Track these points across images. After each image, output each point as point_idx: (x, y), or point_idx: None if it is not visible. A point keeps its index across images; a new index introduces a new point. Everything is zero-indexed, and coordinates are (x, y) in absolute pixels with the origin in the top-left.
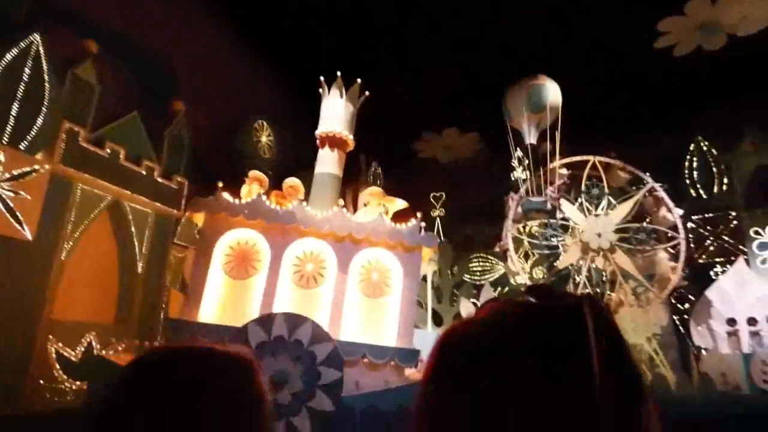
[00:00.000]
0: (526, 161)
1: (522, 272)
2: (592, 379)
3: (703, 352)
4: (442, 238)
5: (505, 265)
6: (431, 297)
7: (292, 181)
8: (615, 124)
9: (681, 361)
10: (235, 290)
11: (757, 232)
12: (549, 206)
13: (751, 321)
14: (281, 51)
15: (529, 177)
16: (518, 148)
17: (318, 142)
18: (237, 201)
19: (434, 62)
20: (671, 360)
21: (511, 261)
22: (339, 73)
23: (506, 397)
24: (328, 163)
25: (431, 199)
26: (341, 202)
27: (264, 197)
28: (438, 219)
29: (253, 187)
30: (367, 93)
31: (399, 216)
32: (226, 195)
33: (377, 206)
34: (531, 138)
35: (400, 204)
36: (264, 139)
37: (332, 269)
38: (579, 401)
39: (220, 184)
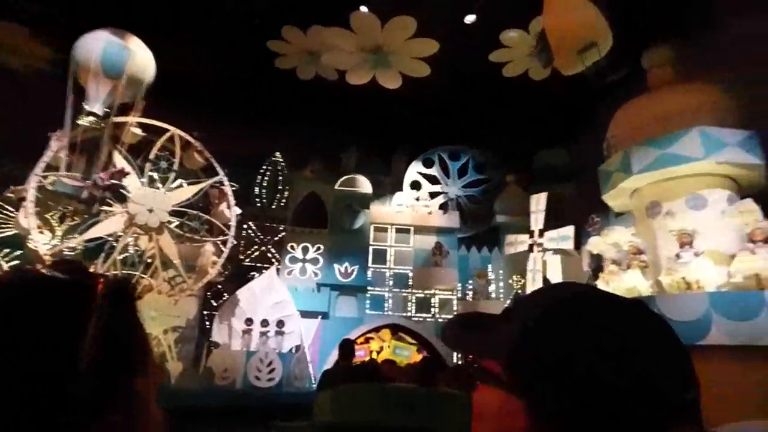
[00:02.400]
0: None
1: (38, 233)
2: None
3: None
4: None
5: (14, 218)
6: None
7: None
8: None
9: (195, 355)
10: None
11: (292, 247)
12: (83, 195)
13: (264, 323)
14: None
15: (73, 156)
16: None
17: None
18: None
19: None
20: (186, 353)
21: (26, 215)
22: None
23: None
24: None
25: None
26: None
27: None
28: None
29: None
30: None
31: None
32: None
33: None
34: (96, 107)
35: None
36: None
37: None
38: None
39: None
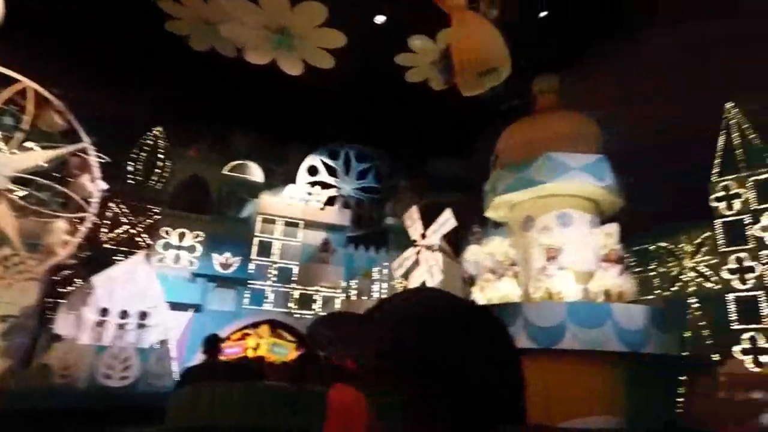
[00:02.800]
0: None
1: None
2: None
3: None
4: None
5: None
6: None
7: None
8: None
9: (30, 349)
10: None
11: (167, 232)
12: None
13: (123, 314)
14: None
15: None
16: None
17: None
18: None
19: None
20: (18, 347)
21: None
22: None
23: None
24: None
25: None
26: None
27: None
28: None
29: None
30: None
31: None
32: None
33: None
34: None
35: None
36: None
37: None
38: None
39: None
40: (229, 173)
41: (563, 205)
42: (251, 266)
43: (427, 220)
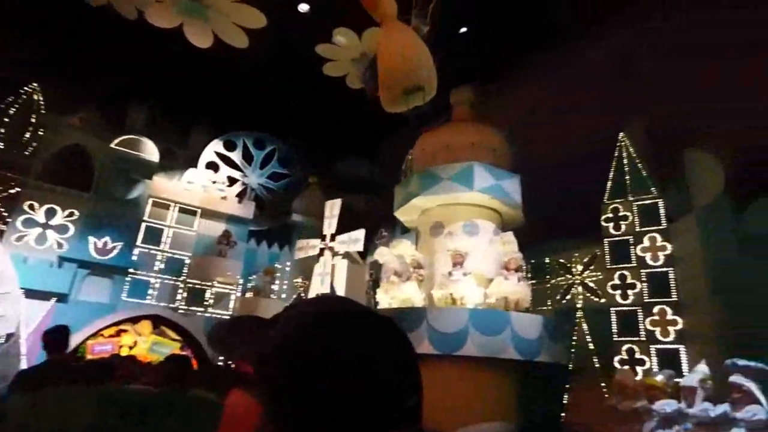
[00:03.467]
0: None
1: None
2: None
3: None
4: None
5: None
6: None
7: None
8: None
9: None
10: None
11: (31, 207)
12: None
13: None
14: None
15: None
16: None
17: None
18: None
19: None
20: None
21: None
22: None
23: None
24: None
25: None
26: None
27: None
28: None
29: None
30: None
31: None
32: None
33: None
34: None
35: None
36: None
37: None
38: None
39: None
40: (118, 147)
41: (471, 215)
42: (135, 253)
43: (341, 221)
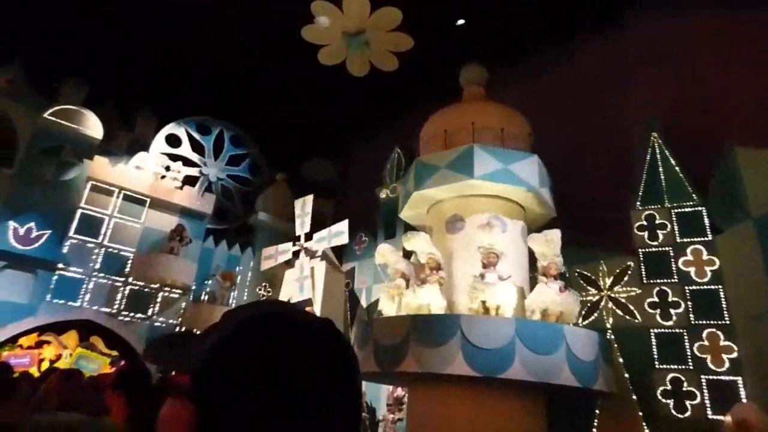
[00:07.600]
0: None
1: None
2: None
3: None
4: None
5: None
6: None
7: None
8: None
9: None
10: None
11: None
12: None
13: None
14: None
15: None
16: None
17: None
18: None
19: None
20: None
21: None
22: None
23: None
24: None
25: None
26: None
27: None
28: None
29: None
30: None
31: None
32: None
33: None
34: None
35: None
36: None
37: None
38: None
39: None
40: (52, 119)
41: (491, 208)
42: (66, 245)
43: (314, 222)
